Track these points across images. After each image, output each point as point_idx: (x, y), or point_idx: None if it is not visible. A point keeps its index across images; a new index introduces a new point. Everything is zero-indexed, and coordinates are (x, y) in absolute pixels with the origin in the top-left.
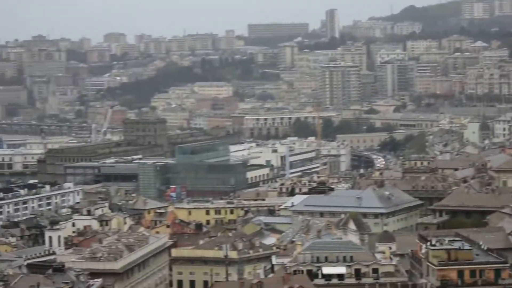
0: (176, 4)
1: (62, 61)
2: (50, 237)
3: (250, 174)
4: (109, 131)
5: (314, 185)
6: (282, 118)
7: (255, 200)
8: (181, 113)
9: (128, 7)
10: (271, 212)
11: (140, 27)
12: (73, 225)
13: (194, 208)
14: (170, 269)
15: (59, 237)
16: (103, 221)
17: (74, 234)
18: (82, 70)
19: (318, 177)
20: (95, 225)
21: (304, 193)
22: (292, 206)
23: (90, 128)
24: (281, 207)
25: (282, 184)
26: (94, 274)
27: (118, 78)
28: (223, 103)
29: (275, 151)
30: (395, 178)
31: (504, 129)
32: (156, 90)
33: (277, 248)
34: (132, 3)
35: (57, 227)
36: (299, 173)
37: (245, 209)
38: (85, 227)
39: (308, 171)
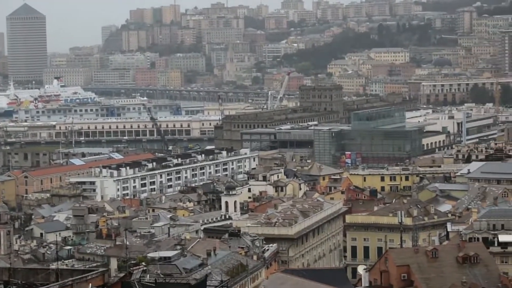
0: None
1: (240, 28)
2: (226, 202)
3: (426, 141)
4: (285, 98)
5: (491, 152)
6: (459, 84)
7: (431, 166)
8: (357, 79)
9: None
10: (447, 179)
11: None
12: (249, 190)
13: (369, 174)
14: (344, 235)
15: (235, 202)
16: (279, 186)
17: (249, 200)
18: (260, 37)
19: (496, 144)
20: (270, 190)
21: (481, 160)
22: (469, 173)
23: (266, 95)
24: (457, 174)
25: (459, 151)
26: (269, 239)
27: (295, 44)
28: (399, 69)
29: (451, 117)
30: None
31: None
32: (333, 57)
33: (452, 215)
34: None
35: (233, 192)
36: (476, 140)
37: (421, 175)
38: (260, 192)
39: (485, 138)
